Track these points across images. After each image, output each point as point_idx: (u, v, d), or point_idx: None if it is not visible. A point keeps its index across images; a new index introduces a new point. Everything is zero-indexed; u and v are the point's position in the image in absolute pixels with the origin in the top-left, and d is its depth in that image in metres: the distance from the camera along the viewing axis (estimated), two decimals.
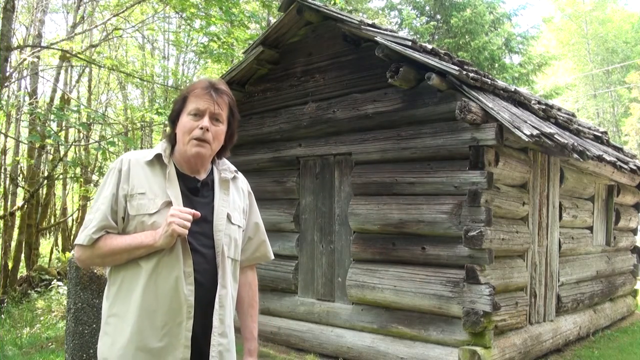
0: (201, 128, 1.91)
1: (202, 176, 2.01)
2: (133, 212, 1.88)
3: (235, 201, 2.06)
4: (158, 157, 1.96)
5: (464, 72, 4.70)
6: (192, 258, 1.86)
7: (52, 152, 13.73)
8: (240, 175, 2.18)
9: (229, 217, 1.99)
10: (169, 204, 1.88)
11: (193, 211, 1.84)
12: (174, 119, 2.00)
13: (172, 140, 2.01)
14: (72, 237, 16.52)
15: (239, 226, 2.05)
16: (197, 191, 1.97)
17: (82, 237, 1.88)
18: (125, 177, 1.91)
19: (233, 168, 2.14)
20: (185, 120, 1.94)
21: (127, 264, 1.88)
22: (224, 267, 1.94)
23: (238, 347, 2.05)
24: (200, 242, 1.90)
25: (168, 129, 2.06)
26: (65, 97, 13.70)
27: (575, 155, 5.04)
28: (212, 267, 1.91)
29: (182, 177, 1.97)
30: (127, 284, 1.88)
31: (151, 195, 1.89)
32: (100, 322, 2.01)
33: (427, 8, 16.27)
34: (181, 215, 1.80)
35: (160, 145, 2.01)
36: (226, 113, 2.02)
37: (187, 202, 1.91)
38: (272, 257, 2.31)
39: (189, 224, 1.81)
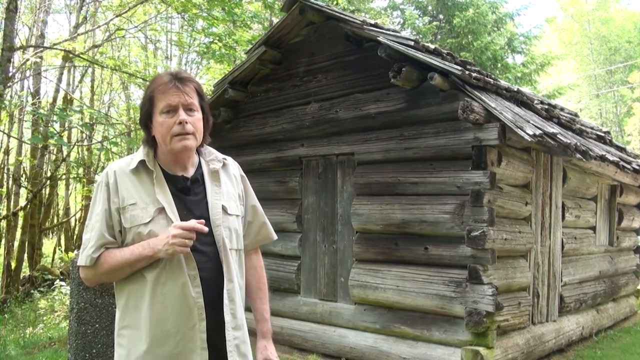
0: (180, 123, 1.86)
1: (191, 172, 1.97)
2: (127, 224, 1.85)
3: (229, 190, 2.02)
4: (142, 163, 1.92)
5: (467, 72, 4.69)
6: (194, 260, 1.84)
7: (54, 152, 13.76)
8: (229, 160, 2.12)
9: (224, 209, 1.95)
10: (161, 210, 1.85)
11: (196, 227, 1.79)
12: (146, 122, 1.94)
13: (151, 143, 1.96)
14: (74, 237, 16.55)
15: (237, 215, 2.02)
16: (188, 190, 1.93)
17: (82, 258, 1.87)
18: (114, 189, 1.87)
19: (221, 156, 2.08)
20: (160, 120, 1.88)
21: (131, 277, 1.86)
22: (228, 261, 1.90)
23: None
24: (200, 242, 1.85)
25: (142, 133, 1.98)
26: (68, 97, 13.73)
27: (578, 155, 5.04)
28: (216, 263, 1.89)
29: (170, 178, 1.93)
30: (134, 297, 1.86)
31: (142, 205, 1.85)
32: (102, 322, 2.00)
33: (430, 8, 16.24)
34: (183, 235, 1.77)
35: (141, 151, 1.95)
36: (197, 100, 1.94)
37: (179, 204, 1.88)
38: (275, 237, 2.26)
39: (191, 242, 1.79)
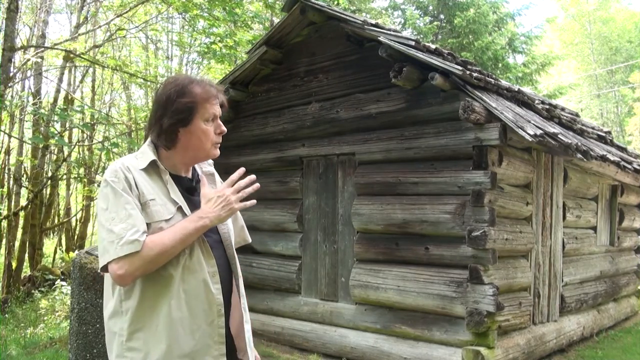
0: (220, 133, 1.98)
1: (189, 174, 2.03)
2: (147, 219, 1.80)
3: None
4: (152, 163, 1.91)
5: (468, 72, 4.69)
6: (214, 257, 1.88)
7: (55, 152, 13.77)
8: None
9: None
10: (179, 208, 1.87)
11: (245, 181, 1.89)
12: (178, 126, 1.90)
13: (168, 145, 1.93)
14: (75, 237, 16.55)
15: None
16: (194, 190, 1.98)
17: (124, 247, 1.71)
18: (133, 184, 1.83)
19: (211, 160, 2.13)
20: (204, 127, 1.92)
21: (148, 276, 1.79)
22: (234, 257, 1.98)
23: None
24: (212, 239, 1.91)
25: (160, 133, 1.93)
26: (69, 97, 13.74)
27: (579, 155, 5.03)
28: (225, 261, 1.95)
29: (175, 179, 1.96)
30: (150, 297, 1.81)
31: (160, 202, 1.85)
32: (103, 322, 1.95)
33: (431, 8, 16.22)
34: (238, 189, 1.87)
35: (150, 151, 1.94)
36: None
37: (188, 203, 1.91)
38: (250, 240, 2.34)
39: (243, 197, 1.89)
